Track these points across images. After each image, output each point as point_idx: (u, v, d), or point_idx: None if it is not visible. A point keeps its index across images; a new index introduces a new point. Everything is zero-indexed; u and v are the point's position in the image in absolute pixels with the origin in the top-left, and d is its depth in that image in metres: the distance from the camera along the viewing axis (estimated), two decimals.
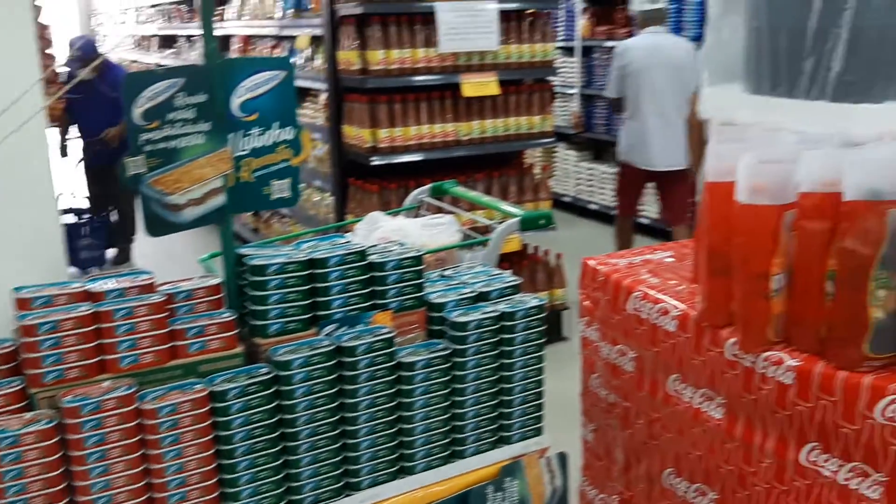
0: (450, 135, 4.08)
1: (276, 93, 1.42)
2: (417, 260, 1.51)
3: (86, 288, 1.39)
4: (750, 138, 1.66)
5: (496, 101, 4.17)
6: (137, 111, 1.29)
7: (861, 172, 1.33)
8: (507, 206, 2.16)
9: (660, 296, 1.81)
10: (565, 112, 7.55)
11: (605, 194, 7.08)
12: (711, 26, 2.02)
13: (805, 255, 1.44)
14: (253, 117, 1.41)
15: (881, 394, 1.30)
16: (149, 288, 1.42)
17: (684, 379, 1.73)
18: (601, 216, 7.11)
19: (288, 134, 1.45)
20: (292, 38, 5.31)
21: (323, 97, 4.72)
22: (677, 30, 6.11)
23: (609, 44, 7.02)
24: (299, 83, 5.17)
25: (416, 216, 2.38)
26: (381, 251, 1.52)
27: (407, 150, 4.01)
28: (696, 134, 3.96)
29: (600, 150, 7.46)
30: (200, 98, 1.34)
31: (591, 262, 2.08)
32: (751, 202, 1.46)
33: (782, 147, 1.55)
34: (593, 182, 7.34)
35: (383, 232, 1.95)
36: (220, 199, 1.41)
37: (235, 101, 1.39)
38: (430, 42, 3.92)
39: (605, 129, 7.30)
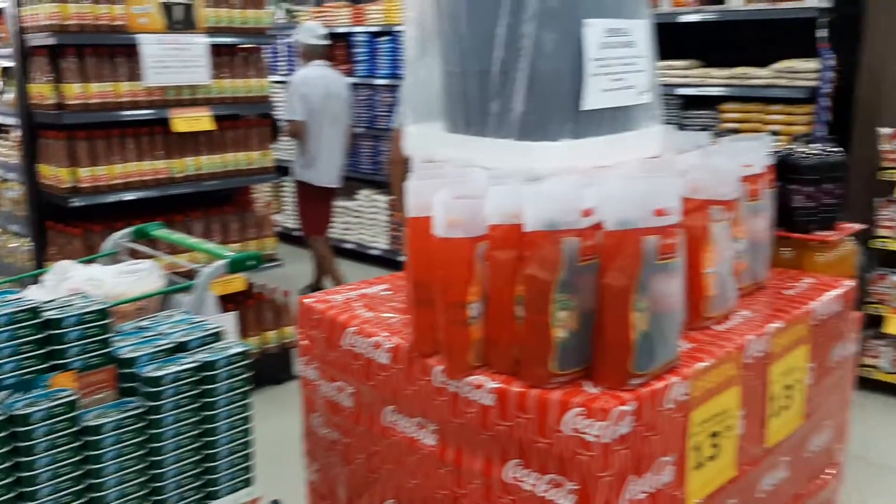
0: (161, 172, 3.89)
1: None
2: (102, 313, 1.40)
3: None
4: (446, 175, 1.75)
5: (212, 136, 4.04)
6: None
7: (538, 205, 1.44)
8: (214, 248, 2.08)
9: (373, 329, 1.84)
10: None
11: (335, 227, 7.14)
12: (410, 68, 2.11)
13: (496, 282, 1.53)
14: None
15: (567, 407, 1.42)
16: None
17: (399, 409, 1.76)
18: (357, 254, 7.14)
19: None
20: None
21: (16, 134, 4.29)
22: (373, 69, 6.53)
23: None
24: None
25: (116, 263, 2.22)
26: (60, 306, 1.38)
27: (113, 189, 3.76)
28: (399, 169, 4.22)
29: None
30: None
31: (307, 300, 2.06)
32: (447, 236, 1.53)
33: (474, 183, 1.65)
34: (346, 219, 7.32)
35: (74, 283, 1.79)
36: None
37: None
38: (134, 75, 3.71)
39: (350, 164, 7.34)
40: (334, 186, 5.73)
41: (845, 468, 2.25)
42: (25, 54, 3.81)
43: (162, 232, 2.25)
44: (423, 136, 2.07)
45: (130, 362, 1.42)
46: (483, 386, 1.54)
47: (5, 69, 4.33)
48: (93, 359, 1.39)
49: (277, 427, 2.84)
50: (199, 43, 3.84)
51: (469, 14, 1.84)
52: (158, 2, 3.78)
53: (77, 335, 1.37)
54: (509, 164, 1.77)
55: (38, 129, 3.88)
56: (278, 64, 7.63)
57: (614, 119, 1.88)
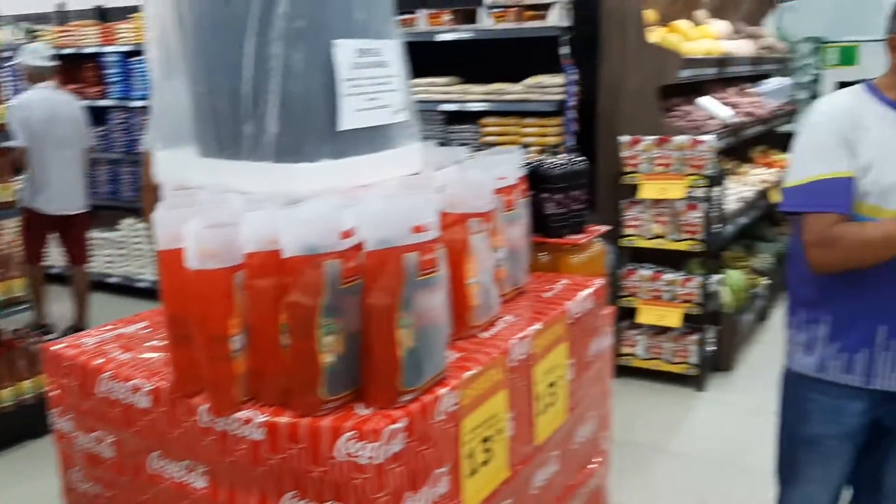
0: None
1: None
2: None
3: None
4: (198, 202, 1.67)
5: None
6: None
7: (295, 229, 1.42)
8: None
9: (131, 372, 1.72)
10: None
11: (118, 263, 6.66)
12: (155, 91, 2.01)
13: (258, 312, 1.48)
14: None
15: (339, 433, 1.40)
16: None
17: (165, 454, 1.66)
18: (123, 288, 6.66)
19: None
20: None
21: None
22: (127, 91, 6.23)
23: (86, 103, 6.67)
24: None
25: None
26: None
27: None
28: (150, 197, 4.11)
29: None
30: None
31: (54, 347, 1.89)
32: (201, 267, 1.46)
33: (229, 209, 1.59)
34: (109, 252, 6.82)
35: None
36: None
37: None
38: None
39: (109, 192, 6.86)
40: (70, 214, 5.44)
41: (611, 454, 2.42)
42: None
43: None
44: (173, 162, 1.97)
45: None
46: (252, 420, 1.49)
47: None
48: None
49: (38, 486, 2.59)
50: None
51: (215, 32, 1.79)
52: None
53: None
54: (266, 188, 1.73)
55: None
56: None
57: (372, 138, 1.90)
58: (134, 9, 6.59)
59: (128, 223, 6.74)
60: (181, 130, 1.98)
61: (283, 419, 1.45)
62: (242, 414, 1.50)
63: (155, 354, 1.79)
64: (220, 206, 1.61)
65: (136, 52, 6.39)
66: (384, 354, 1.44)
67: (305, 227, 1.41)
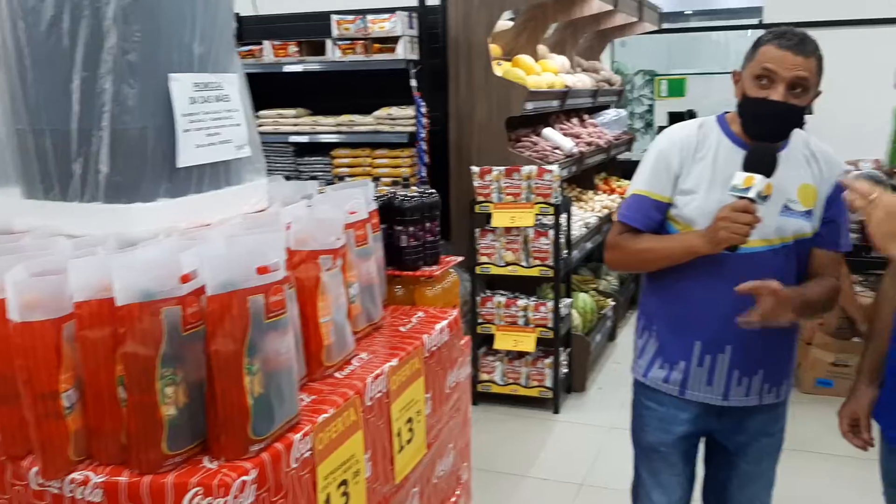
0: None
1: None
2: None
3: None
4: (23, 248, 1.55)
5: None
6: None
7: (130, 275, 1.33)
8: None
9: None
10: None
11: None
12: None
13: (92, 365, 1.38)
14: None
15: (184, 490, 1.31)
16: None
17: None
18: None
19: None
20: None
21: None
22: None
23: None
24: None
25: None
26: None
27: None
28: None
29: None
30: None
31: None
32: (25, 319, 1.34)
33: (56, 255, 1.47)
34: None
35: None
36: None
37: None
38: None
39: None
40: None
41: (472, 484, 2.42)
42: None
43: None
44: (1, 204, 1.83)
45: None
46: (89, 481, 1.38)
47: None
48: None
49: None
50: None
51: (38, 67, 1.67)
52: None
53: None
54: (99, 230, 1.63)
55: None
56: None
57: (214, 175, 1.83)
58: None
59: None
60: (5, 171, 1.84)
61: (123, 478, 1.35)
62: (78, 475, 1.38)
63: None
64: (45, 252, 1.49)
65: None
66: (231, 403, 1.37)
67: (140, 272, 1.33)
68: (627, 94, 9.47)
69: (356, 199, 2.06)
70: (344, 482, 1.60)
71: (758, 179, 2.03)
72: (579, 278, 5.94)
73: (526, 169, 4.60)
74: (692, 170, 2.22)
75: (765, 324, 2.04)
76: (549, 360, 4.78)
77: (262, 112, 5.11)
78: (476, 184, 4.70)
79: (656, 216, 2.26)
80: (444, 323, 2.18)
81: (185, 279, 1.37)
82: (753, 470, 2.42)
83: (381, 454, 1.79)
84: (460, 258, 2.62)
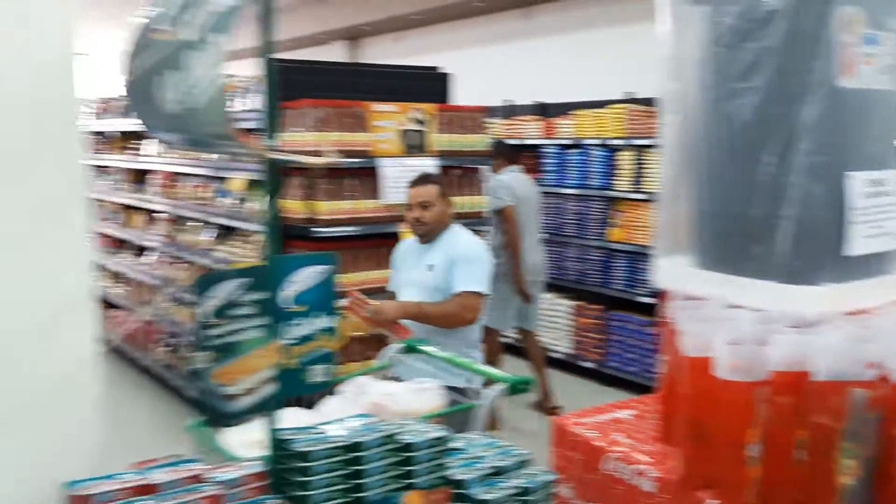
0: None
1: (321, 285, 1.54)
2: (444, 440, 1.61)
3: (144, 480, 1.42)
4: (714, 316, 1.87)
5: None
6: (204, 309, 1.38)
7: (826, 356, 1.54)
8: (488, 370, 2.30)
9: (635, 456, 1.95)
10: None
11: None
12: (662, 203, 2.26)
13: (777, 426, 1.62)
14: (300, 308, 1.52)
15: None
16: (198, 478, 1.47)
17: None
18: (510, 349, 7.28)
19: (328, 322, 1.56)
20: (222, 179, 5.43)
21: (257, 238, 4.83)
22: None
23: None
24: (230, 223, 5.28)
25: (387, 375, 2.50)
26: (411, 431, 1.62)
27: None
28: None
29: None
30: (260, 295, 1.45)
31: (562, 422, 2.22)
32: (728, 378, 1.64)
33: (747, 326, 1.76)
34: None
35: (372, 398, 2.04)
36: (270, 388, 1.49)
37: (286, 294, 1.50)
38: (372, 193, 4.14)
39: None
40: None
41: None
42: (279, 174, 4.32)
43: (429, 349, 2.51)
44: (673, 270, 2.20)
45: (462, 484, 1.61)
46: None
47: (251, 182, 4.91)
48: (435, 479, 1.60)
49: None
50: (430, 165, 4.24)
51: (727, 160, 1.98)
52: (397, 129, 4.22)
53: (425, 458, 1.58)
54: (773, 306, 1.86)
55: (284, 239, 4.36)
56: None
57: (875, 263, 1.95)
58: (571, 105, 7.26)
59: (547, 297, 7.33)
60: (681, 241, 2.21)
61: None
62: None
63: (650, 443, 2.01)
64: (738, 322, 1.79)
65: (573, 146, 7.02)
66: None
67: (835, 354, 1.53)
68: None
69: None
70: None
71: None
72: None
73: None
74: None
75: None
76: None
77: None
78: None
79: None
80: None
81: (871, 365, 1.54)
82: None
83: None
84: None
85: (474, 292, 3.31)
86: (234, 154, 1.62)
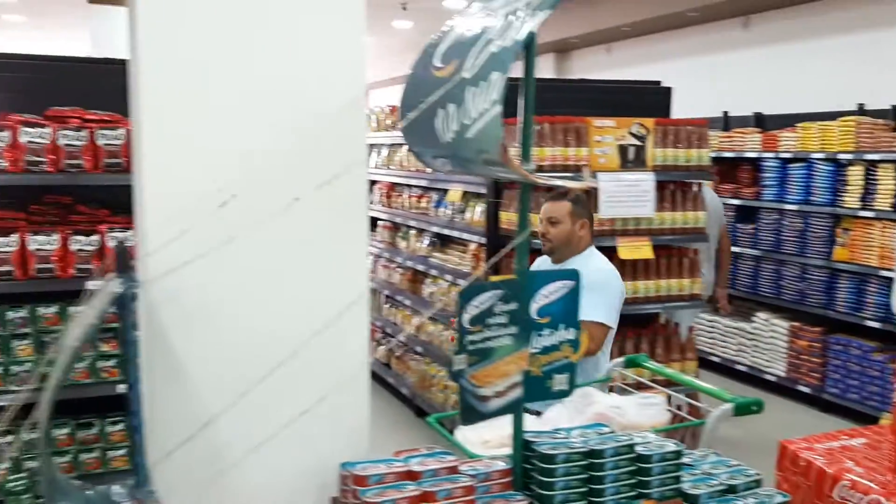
0: None
1: (566, 299, 1.66)
2: (678, 454, 1.67)
3: (408, 467, 1.63)
4: None
5: (648, 263, 4.38)
6: (466, 316, 1.54)
7: None
8: (714, 389, 2.30)
9: (868, 484, 1.89)
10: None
11: (746, 353, 7.03)
12: None
13: None
14: (545, 320, 1.64)
15: None
16: (454, 469, 1.64)
17: None
18: (749, 378, 6.99)
19: (570, 334, 1.67)
20: (441, 190, 5.72)
21: (472, 247, 5.06)
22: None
23: (735, 202, 7.24)
24: (446, 232, 5.55)
25: (611, 388, 2.55)
26: (645, 442, 1.68)
27: None
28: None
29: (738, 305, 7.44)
30: (512, 306, 1.59)
31: (791, 446, 2.18)
32: None
33: None
34: (740, 341, 7.23)
35: (599, 409, 2.12)
36: (518, 392, 1.62)
37: (534, 307, 1.62)
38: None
39: (748, 286, 7.27)
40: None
41: None
42: (498, 186, 4.57)
43: (652, 364, 2.54)
44: None
45: (694, 498, 1.66)
46: None
47: (466, 193, 5.16)
48: (668, 491, 1.66)
49: None
50: (648, 180, 4.26)
51: None
52: (616, 144, 4.27)
53: (659, 470, 1.65)
54: None
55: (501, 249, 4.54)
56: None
57: None
58: (794, 117, 6.91)
59: (762, 317, 7.02)
60: None
61: None
62: None
63: (884, 474, 1.94)
64: None
65: (796, 160, 6.68)
66: None
67: None
68: None
69: None
70: None
71: None
72: None
73: None
74: None
75: None
76: None
77: None
78: None
79: None
80: None
81: None
82: None
83: None
84: None
85: (595, 322, 3.09)
86: (501, 176, 1.78)
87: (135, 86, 1.76)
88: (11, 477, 3.45)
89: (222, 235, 1.68)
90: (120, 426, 3.64)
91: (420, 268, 6.01)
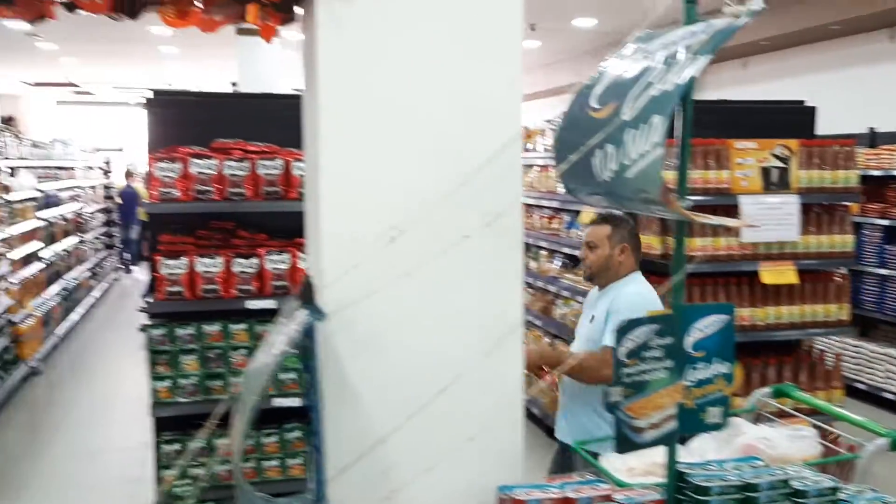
0: (745, 319, 4.22)
1: (720, 333, 1.68)
2: (835, 490, 1.66)
3: (564, 493, 1.69)
4: None
5: (792, 288, 4.28)
6: (623, 350, 1.60)
7: None
8: (867, 422, 2.25)
9: None
10: None
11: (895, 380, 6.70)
12: None
13: None
14: (700, 353, 1.67)
15: None
16: (608, 497, 1.69)
17: None
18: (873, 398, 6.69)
19: (725, 368, 1.69)
20: (573, 211, 5.75)
21: None
22: None
23: (882, 222, 6.90)
24: (578, 253, 5.56)
25: (757, 417, 2.52)
26: (800, 477, 1.68)
27: None
28: None
29: (867, 325, 7.13)
30: (667, 340, 1.63)
31: None
32: None
33: None
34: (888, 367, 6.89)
35: (748, 440, 2.11)
36: (672, 425, 1.66)
37: (689, 340, 1.66)
38: (727, 231, 4.15)
39: (874, 304, 6.99)
40: None
41: None
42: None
43: (800, 394, 2.50)
44: None
45: None
46: None
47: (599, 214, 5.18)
48: None
49: None
50: (792, 203, 4.15)
51: None
52: (759, 166, 4.20)
53: None
54: None
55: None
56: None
57: None
58: None
59: None
60: None
61: None
62: None
63: None
64: None
65: None
66: None
67: None
68: None
69: None
70: None
71: None
72: None
73: None
74: None
75: None
76: None
77: None
78: None
79: None
80: None
81: None
82: None
83: None
84: None
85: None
86: (658, 215, 1.82)
87: (313, 125, 1.91)
88: (178, 482, 3.74)
89: (396, 270, 1.81)
90: (297, 433, 3.88)
91: (551, 288, 6.04)
